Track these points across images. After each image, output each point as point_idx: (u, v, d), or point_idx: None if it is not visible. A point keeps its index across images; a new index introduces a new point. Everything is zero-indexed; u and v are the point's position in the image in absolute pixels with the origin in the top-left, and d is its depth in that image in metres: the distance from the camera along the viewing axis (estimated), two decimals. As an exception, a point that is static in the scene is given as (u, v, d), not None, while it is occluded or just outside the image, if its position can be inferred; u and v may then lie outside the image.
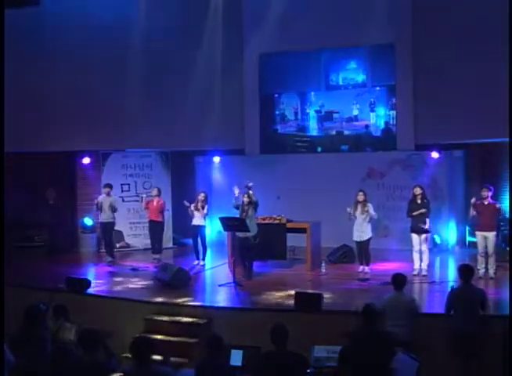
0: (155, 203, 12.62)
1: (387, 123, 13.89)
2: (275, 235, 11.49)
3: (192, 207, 12.06)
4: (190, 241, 12.90)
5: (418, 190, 10.83)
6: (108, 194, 12.64)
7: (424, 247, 10.74)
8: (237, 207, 10.99)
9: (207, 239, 12.76)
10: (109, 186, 12.79)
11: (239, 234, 10.84)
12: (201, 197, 12.22)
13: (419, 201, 10.79)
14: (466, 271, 7.61)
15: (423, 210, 10.68)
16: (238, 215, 10.94)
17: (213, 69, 13.74)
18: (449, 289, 8.01)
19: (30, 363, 6.00)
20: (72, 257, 13.34)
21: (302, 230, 11.59)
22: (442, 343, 7.55)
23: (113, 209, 12.54)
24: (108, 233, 12.81)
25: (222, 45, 13.97)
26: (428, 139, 13.10)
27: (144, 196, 12.95)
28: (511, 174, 11.18)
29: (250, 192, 10.90)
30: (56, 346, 6.25)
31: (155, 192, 12.72)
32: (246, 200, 10.84)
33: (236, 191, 11.07)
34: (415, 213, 10.73)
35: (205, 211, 12.11)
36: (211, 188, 14.63)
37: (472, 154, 13.60)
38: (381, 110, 13.91)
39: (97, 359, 5.32)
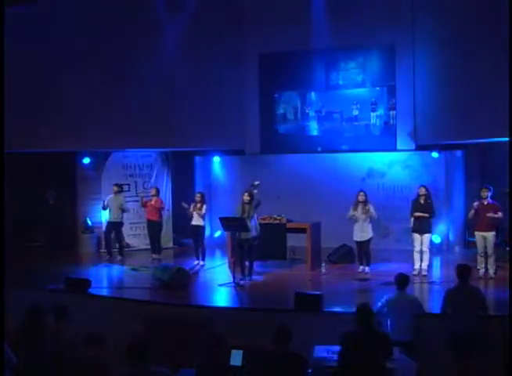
0: (153, 202, 12.66)
1: (387, 123, 13.88)
2: (275, 235, 11.50)
3: (192, 208, 12.06)
4: (190, 241, 12.91)
5: (423, 191, 10.84)
6: (116, 193, 12.76)
7: (425, 248, 10.75)
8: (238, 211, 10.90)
9: (208, 239, 12.78)
10: (118, 185, 12.90)
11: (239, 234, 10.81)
12: (197, 197, 12.23)
13: (422, 201, 10.79)
14: (463, 271, 7.60)
15: (426, 215, 10.68)
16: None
17: (213, 69, 13.73)
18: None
19: (31, 363, 6.00)
20: (72, 257, 13.34)
21: (302, 230, 11.59)
22: (442, 343, 7.55)
23: (123, 209, 12.70)
24: (116, 232, 12.91)
25: (222, 45, 13.97)
26: (428, 139, 13.11)
27: (142, 196, 13.01)
28: (511, 174, 11.17)
29: (255, 191, 10.83)
30: (57, 346, 6.26)
31: (153, 192, 12.78)
32: (246, 198, 10.80)
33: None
34: (417, 214, 10.72)
35: (203, 211, 12.10)
36: (211, 188, 14.65)
37: (471, 154, 13.60)
38: (381, 110, 13.90)
39: (100, 358, 5.32)
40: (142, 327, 8.78)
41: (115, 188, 12.86)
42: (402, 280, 7.65)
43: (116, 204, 12.75)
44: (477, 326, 7.32)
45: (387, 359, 6.04)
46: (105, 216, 13.26)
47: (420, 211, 10.75)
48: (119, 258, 12.85)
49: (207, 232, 13.74)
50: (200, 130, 13.70)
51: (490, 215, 10.27)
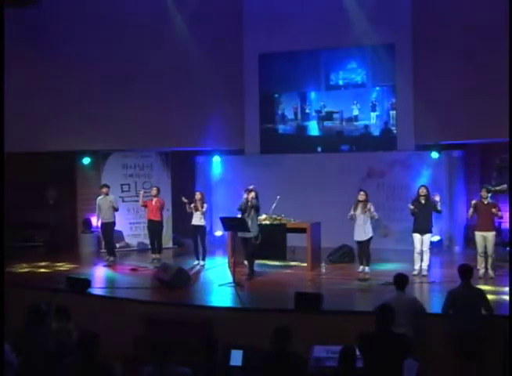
0: (154, 202, 12.64)
1: (387, 123, 13.90)
2: (275, 235, 11.50)
3: (192, 207, 12.06)
4: (190, 241, 12.90)
5: (424, 191, 10.82)
6: (107, 194, 12.69)
7: (426, 248, 10.74)
8: (241, 210, 10.94)
9: (208, 238, 12.78)
10: (107, 186, 12.83)
11: (240, 234, 10.85)
12: (197, 196, 12.22)
13: (423, 201, 10.78)
14: (466, 271, 7.60)
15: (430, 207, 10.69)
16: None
17: (213, 69, 13.74)
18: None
19: (32, 363, 6.00)
20: (72, 257, 13.34)
21: (302, 230, 11.59)
22: (443, 343, 7.55)
23: (114, 208, 12.62)
24: (109, 233, 12.84)
25: (222, 45, 13.99)
26: (428, 139, 13.12)
27: (142, 192, 12.94)
28: (511, 174, 11.18)
29: (251, 195, 10.86)
30: (57, 347, 6.26)
31: (154, 191, 12.74)
32: (250, 199, 10.87)
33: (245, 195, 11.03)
34: (411, 207, 10.74)
35: (204, 209, 12.10)
36: (211, 188, 14.66)
37: (471, 154, 13.61)
38: (381, 110, 13.91)
39: (96, 360, 5.32)
40: (142, 327, 8.79)
41: (104, 189, 12.75)
42: (401, 281, 7.64)
43: (106, 205, 12.66)
44: (479, 326, 7.32)
45: (404, 361, 5.98)
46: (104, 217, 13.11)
47: (420, 211, 10.72)
48: (111, 258, 12.63)
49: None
50: (200, 130, 13.72)
51: (495, 210, 10.29)
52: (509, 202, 11.98)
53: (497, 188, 11.11)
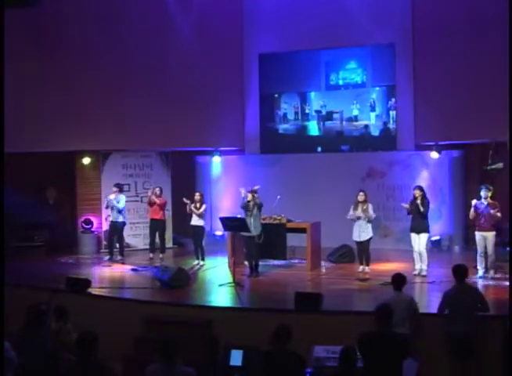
0: (158, 201, 12.69)
1: (387, 123, 13.89)
2: (275, 235, 11.51)
3: (192, 207, 12.07)
4: (190, 241, 12.91)
5: (418, 192, 10.83)
6: (116, 194, 12.79)
7: (423, 248, 10.74)
8: (244, 207, 11.01)
9: (208, 238, 12.80)
10: (116, 185, 12.99)
11: (244, 233, 10.87)
12: (196, 196, 12.24)
13: (418, 202, 10.79)
14: (460, 271, 7.60)
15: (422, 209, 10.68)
16: (244, 215, 11.01)
17: (213, 68, 13.75)
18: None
19: (32, 363, 6.01)
20: (72, 257, 13.34)
21: (302, 230, 11.59)
22: (442, 343, 7.55)
23: (116, 208, 12.68)
24: (117, 232, 12.93)
25: (222, 45, 13.99)
26: (428, 139, 13.12)
27: (151, 189, 12.99)
28: (511, 174, 11.17)
29: (256, 195, 10.94)
30: (57, 347, 6.27)
31: (158, 192, 12.80)
32: (251, 199, 10.92)
33: (243, 192, 11.10)
34: (405, 205, 10.74)
35: (202, 210, 12.11)
36: (211, 188, 14.66)
37: (471, 154, 13.61)
38: (381, 110, 13.91)
39: (95, 360, 5.32)
40: (142, 327, 8.79)
41: (114, 189, 12.87)
42: (398, 281, 7.64)
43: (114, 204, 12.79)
44: (475, 327, 7.31)
45: (404, 360, 5.98)
46: (112, 216, 13.14)
47: (417, 211, 10.72)
48: (119, 258, 12.87)
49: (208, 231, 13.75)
50: (199, 130, 13.72)
51: (493, 211, 10.28)
52: (509, 202, 11.97)
53: (493, 166, 11.10)
